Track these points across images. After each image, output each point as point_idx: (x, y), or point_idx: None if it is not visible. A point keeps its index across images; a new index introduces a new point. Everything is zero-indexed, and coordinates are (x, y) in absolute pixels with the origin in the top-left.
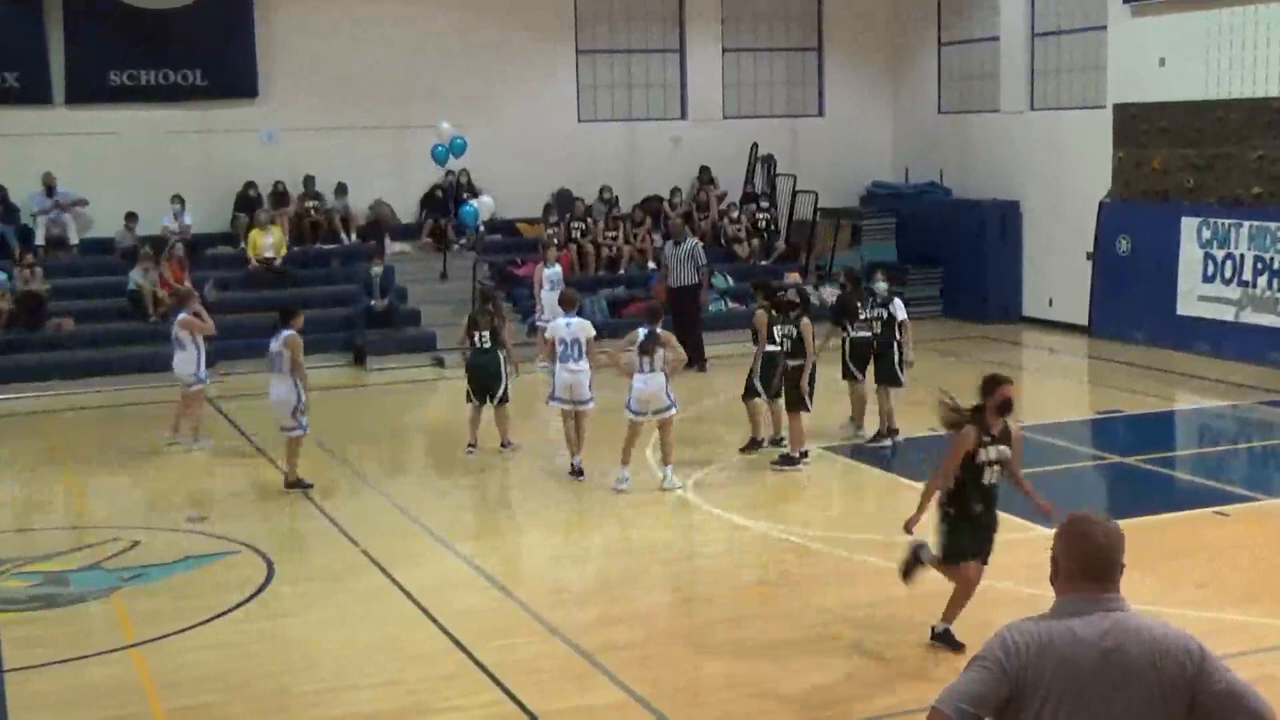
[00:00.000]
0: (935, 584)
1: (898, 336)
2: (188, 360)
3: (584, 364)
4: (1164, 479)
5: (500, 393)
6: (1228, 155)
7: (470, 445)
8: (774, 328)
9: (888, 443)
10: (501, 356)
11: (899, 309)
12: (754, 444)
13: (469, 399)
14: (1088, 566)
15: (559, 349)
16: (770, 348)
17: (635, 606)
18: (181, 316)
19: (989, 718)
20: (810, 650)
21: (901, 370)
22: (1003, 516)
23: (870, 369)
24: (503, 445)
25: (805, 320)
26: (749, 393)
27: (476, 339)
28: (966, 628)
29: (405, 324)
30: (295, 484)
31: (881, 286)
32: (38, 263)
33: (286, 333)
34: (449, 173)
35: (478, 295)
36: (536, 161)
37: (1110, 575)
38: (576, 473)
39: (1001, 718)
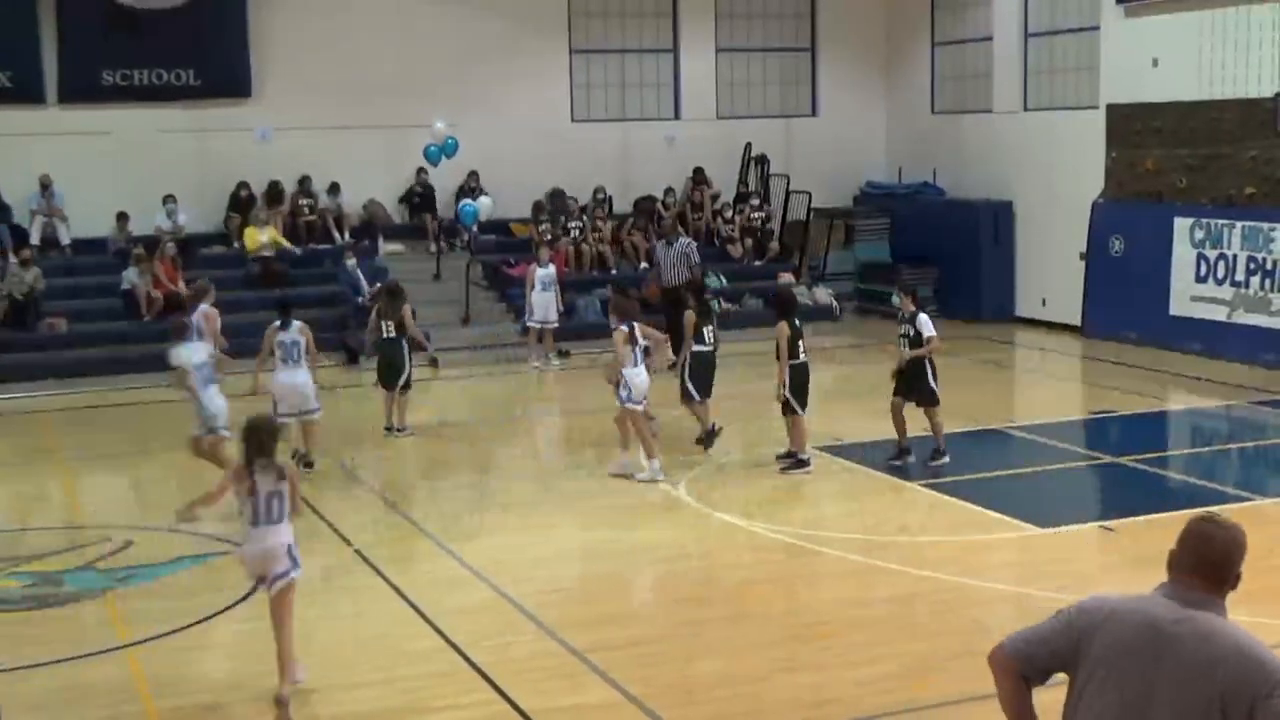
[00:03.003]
0: (929, 584)
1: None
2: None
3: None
4: (1156, 479)
5: (403, 380)
6: (1220, 155)
7: (386, 428)
8: (703, 328)
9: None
10: (405, 346)
11: (925, 325)
12: (710, 435)
13: (378, 384)
14: (1197, 564)
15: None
16: (699, 347)
17: (628, 606)
18: (205, 309)
19: (1050, 668)
20: (803, 649)
21: (935, 384)
22: (991, 516)
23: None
24: (399, 430)
25: (688, 314)
26: (685, 395)
27: (384, 329)
28: (960, 628)
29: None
30: (311, 464)
31: (896, 301)
32: (32, 260)
33: (297, 323)
34: (420, 170)
35: (383, 291)
36: (530, 161)
37: (1218, 578)
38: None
39: (1070, 676)
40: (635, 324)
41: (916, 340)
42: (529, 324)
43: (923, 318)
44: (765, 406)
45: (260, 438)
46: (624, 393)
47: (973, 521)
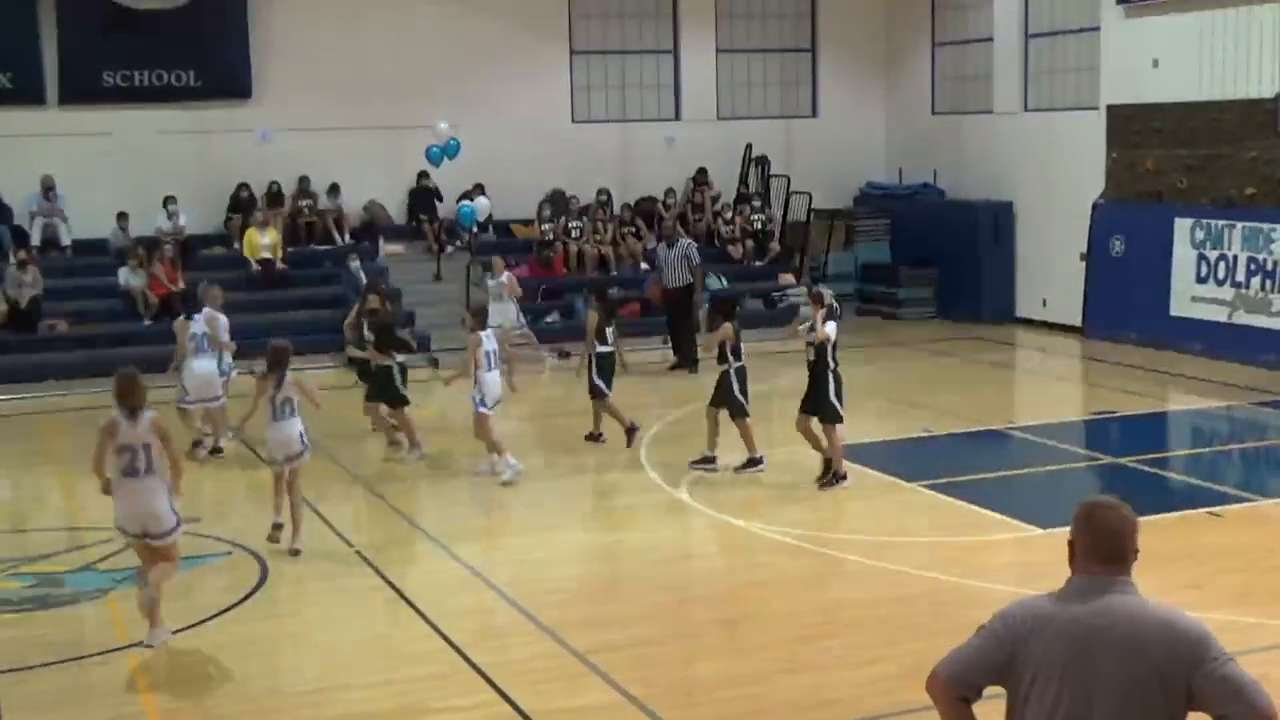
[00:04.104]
0: (927, 585)
1: (829, 360)
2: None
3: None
4: (1157, 480)
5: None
6: (1221, 156)
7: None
8: (606, 329)
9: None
10: None
11: (828, 327)
12: (630, 431)
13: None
14: (1098, 549)
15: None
16: (601, 348)
17: (629, 607)
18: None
19: (987, 683)
20: (804, 650)
21: (835, 400)
22: (991, 516)
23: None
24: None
25: (591, 314)
26: (594, 392)
27: (364, 328)
28: (960, 628)
29: (399, 325)
30: (219, 450)
31: (806, 311)
32: (31, 261)
33: (201, 315)
34: (422, 174)
35: (364, 290)
36: (530, 162)
37: (1120, 559)
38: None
39: (1005, 687)
40: (490, 331)
41: (821, 349)
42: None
43: (831, 325)
44: (765, 407)
45: (278, 356)
46: (476, 396)
47: (973, 522)
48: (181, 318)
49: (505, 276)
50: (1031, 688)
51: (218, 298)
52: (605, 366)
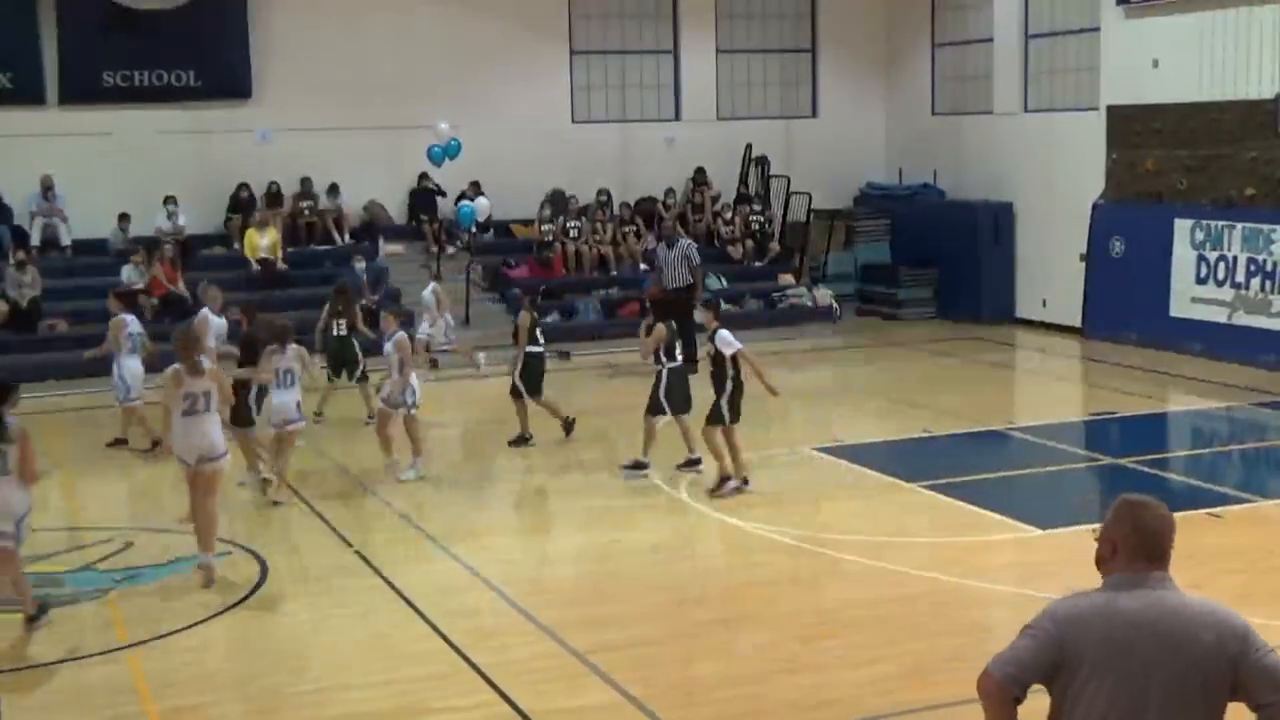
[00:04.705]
0: (927, 585)
1: (728, 368)
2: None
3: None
4: (1157, 481)
5: (358, 372)
6: (1221, 157)
7: (316, 413)
8: (536, 329)
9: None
10: (356, 341)
11: (725, 341)
12: (521, 440)
13: (329, 379)
14: (1143, 547)
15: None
16: (531, 348)
17: (629, 607)
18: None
19: (1037, 683)
20: (804, 651)
21: (724, 405)
22: (991, 517)
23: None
24: (369, 420)
25: (523, 315)
26: (515, 392)
27: (334, 327)
28: (960, 629)
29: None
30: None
31: (698, 317)
32: (30, 261)
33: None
34: (423, 175)
35: (333, 291)
36: (530, 162)
37: (1162, 556)
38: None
39: (1051, 687)
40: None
41: (719, 359)
42: (419, 335)
43: (723, 334)
44: (761, 408)
45: (280, 335)
46: (410, 398)
47: (972, 522)
48: (120, 315)
49: (433, 287)
50: (1084, 686)
51: (216, 299)
52: (535, 367)
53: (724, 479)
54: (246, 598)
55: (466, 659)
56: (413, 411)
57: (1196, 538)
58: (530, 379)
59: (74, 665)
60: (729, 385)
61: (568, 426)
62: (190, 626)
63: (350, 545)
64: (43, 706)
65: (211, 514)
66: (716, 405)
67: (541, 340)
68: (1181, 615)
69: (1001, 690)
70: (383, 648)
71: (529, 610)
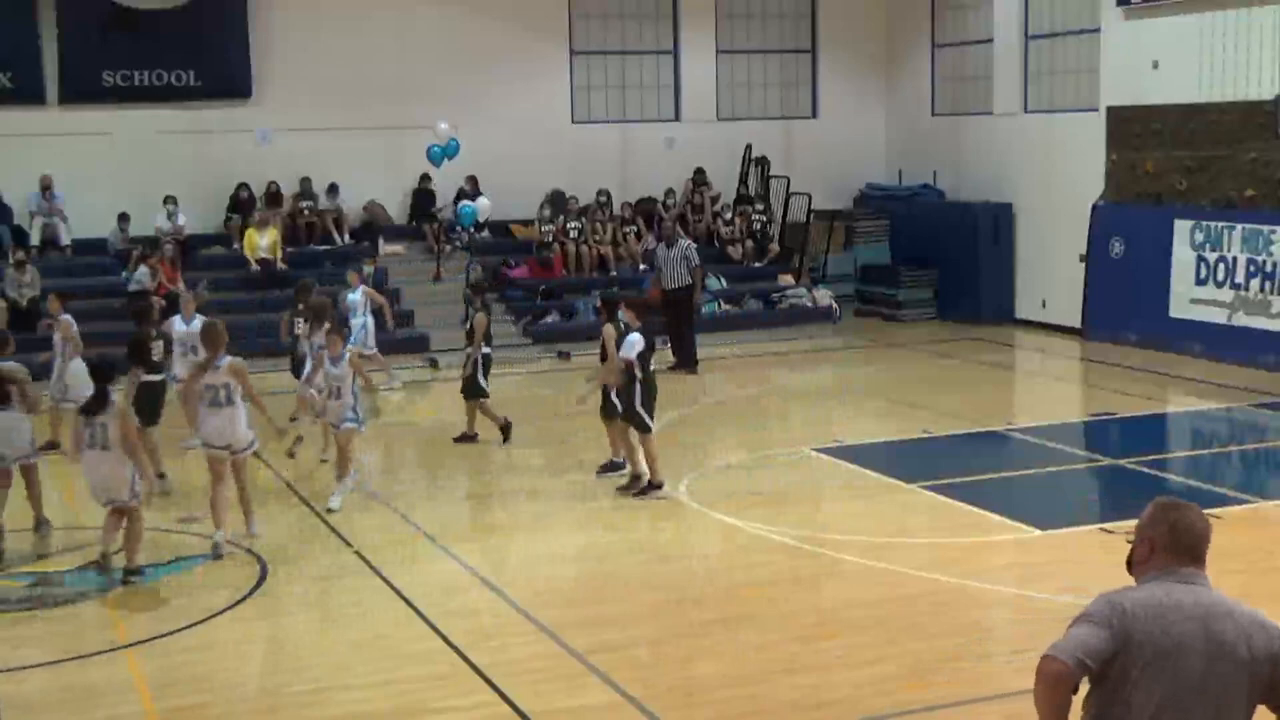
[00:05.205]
0: (927, 585)
1: (636, 370)
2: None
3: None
4: (1157, 481)
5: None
6: (1220, 158)
7: (293, 418)
8: (492, 330)
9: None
10: None
11: (626, 345)
12: (466, 438)
13: (295, 377)
14: (1184, 548)
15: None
16: (488, 349)
17: (628, 607)
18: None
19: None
20: (803, 651)
21: (640, 409)
22: (991, 518)
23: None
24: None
25: (479, 316)
26: (474, 391)
27: (296, 327)
28: (960, 629)
29: (398, 325)
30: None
31: (620, 315)
32: (29, 261)
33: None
34: (424, 176)
35: (296, 289)
36: (530, 162)
37: (1203, 557)
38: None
39: (1101, 677)
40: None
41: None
42: (365, 350)
43: (632, 337)
44: (762, 409)
45: (319, 313)
46: (359, 413)
47: (972, 523)
48: (68, 316)
49: (361, 289)
50: (1138, 679)
51: (189, 304)
52: (487, 369)
53: (648, 482)
54: (246, 597)
55: (466, 659)
56: (362, 430)
57: None
58: (482, 381)
59: (74, 665)
60: (639, 389)
61: (471, 437)
62: (190, 626)
63: (350, 545)
64: (42, 706)
65: (227, 498)
66: (635, 411)
67: (491, 343)
68: (1225, 615)
69: (1072, 676)
70: (382, 648)
71: (528, 610)
